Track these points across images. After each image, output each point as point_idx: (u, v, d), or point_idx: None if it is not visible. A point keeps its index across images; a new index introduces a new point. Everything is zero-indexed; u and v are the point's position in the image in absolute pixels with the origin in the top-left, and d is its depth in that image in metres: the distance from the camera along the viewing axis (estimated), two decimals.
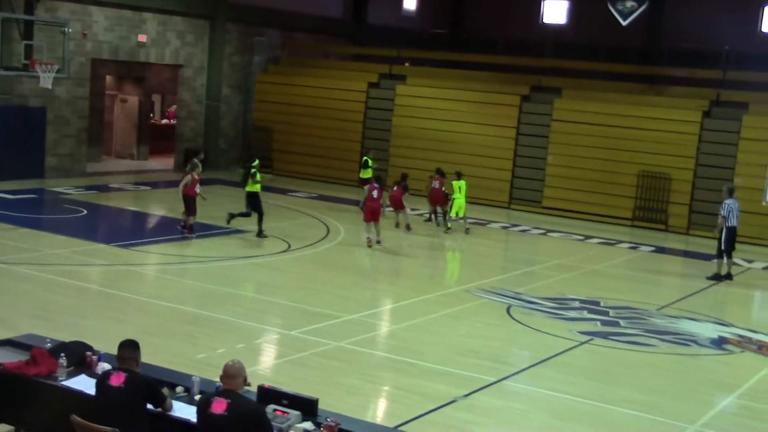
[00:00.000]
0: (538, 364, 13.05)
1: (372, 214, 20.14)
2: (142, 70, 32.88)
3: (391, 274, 19.24)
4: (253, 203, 20.13)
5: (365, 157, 25.16)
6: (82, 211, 22.56)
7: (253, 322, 13.93)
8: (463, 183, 23.27)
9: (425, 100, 30.38)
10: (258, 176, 20.26)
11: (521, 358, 13.55)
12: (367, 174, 24.20)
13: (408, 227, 22.80)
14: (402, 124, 30.54)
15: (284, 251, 19.52)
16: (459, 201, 22.98)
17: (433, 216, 24.16)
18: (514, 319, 15.48)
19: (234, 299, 15.27)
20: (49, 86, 23.89)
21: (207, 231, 20.54)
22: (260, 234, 20.16)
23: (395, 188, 22.82)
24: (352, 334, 13.67)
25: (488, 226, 25.43)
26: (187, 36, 31.13)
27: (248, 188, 20.17)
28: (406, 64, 34.32)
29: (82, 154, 28.69)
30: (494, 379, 12.13)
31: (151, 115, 35.74)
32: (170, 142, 32.72)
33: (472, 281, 18.10)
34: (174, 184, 24.97)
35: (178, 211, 20.89)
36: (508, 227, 25.63)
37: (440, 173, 24.14)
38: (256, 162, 20.45)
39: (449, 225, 23.37)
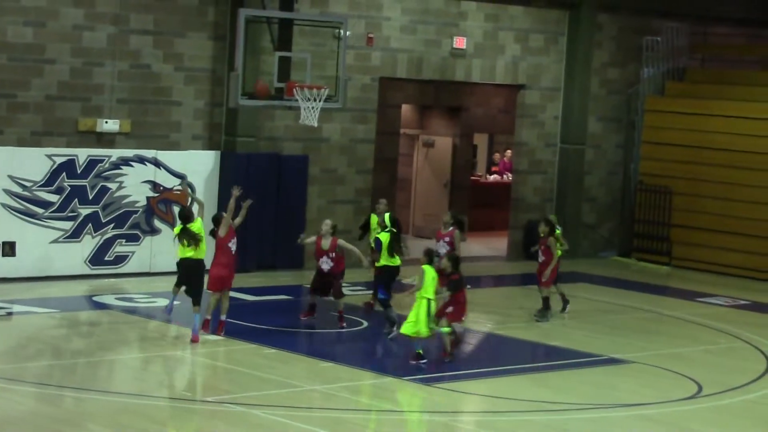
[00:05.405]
0: None
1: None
2: (459, 94, 29.62)
3: None
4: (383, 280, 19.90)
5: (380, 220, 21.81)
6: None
7: None
8: None
9: None
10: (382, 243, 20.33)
11: None
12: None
13: None
14: None
15: (691, 397, 16.91)
16: None
17: None
18: None
19: None
20: (314, 123, 21.62)
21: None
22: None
23: None
24: None
25: None
26: (532, 37, 27.59)
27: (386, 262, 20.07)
28: None
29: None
30: None
31: (475, 166, 32.67)
32: (502, 212, 28.73)
33: None
34: (525, 281, 23.42)
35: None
36: None
37: None
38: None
39: None
